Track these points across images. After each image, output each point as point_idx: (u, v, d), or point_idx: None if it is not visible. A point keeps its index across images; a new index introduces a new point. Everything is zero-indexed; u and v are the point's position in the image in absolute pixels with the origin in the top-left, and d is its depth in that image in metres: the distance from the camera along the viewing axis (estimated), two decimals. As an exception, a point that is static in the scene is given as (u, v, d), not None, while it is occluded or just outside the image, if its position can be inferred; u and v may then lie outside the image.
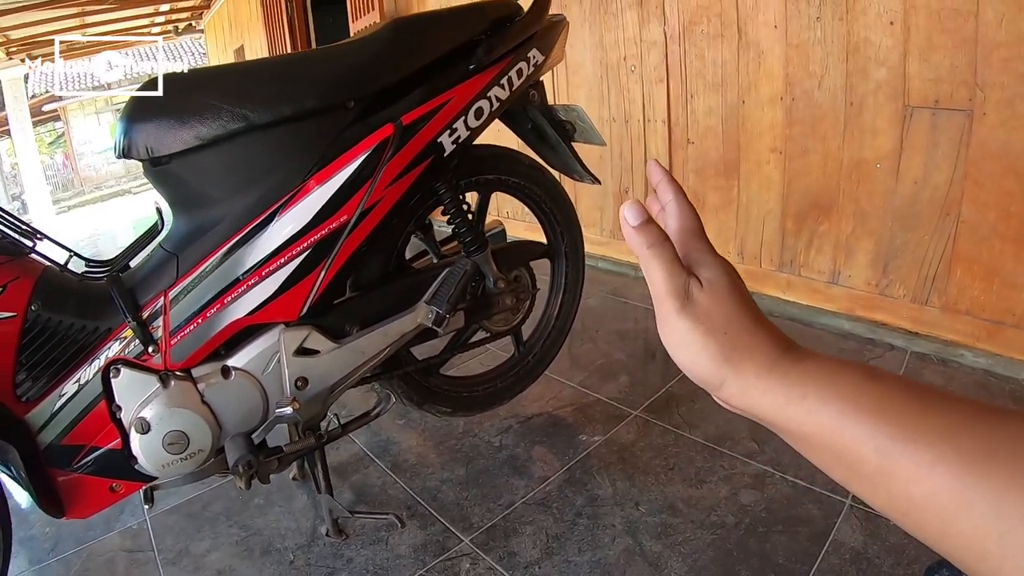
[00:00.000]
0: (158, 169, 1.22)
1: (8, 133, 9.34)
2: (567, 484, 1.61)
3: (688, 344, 0.43)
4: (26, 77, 9.66)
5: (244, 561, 1.47)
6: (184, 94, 1.22)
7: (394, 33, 1.32)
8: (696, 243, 0.47)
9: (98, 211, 10.46)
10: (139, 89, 1.23)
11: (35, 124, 8.92)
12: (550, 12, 1.55)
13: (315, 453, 1.44)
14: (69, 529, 1.64)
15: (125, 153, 1.20)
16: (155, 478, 1.27)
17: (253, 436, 1.30)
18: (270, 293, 1.25)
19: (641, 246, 0.44)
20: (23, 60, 9.49)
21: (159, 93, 1.23)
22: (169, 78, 1.30)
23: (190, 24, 11.38)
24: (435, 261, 1.66)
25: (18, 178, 9.03)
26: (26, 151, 9.23)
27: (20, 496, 1.73)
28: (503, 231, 1.73)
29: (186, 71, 1.32)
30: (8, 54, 9.17)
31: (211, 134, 1.19)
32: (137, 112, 1.20)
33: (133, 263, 1.31)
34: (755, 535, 1.38)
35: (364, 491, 1.67)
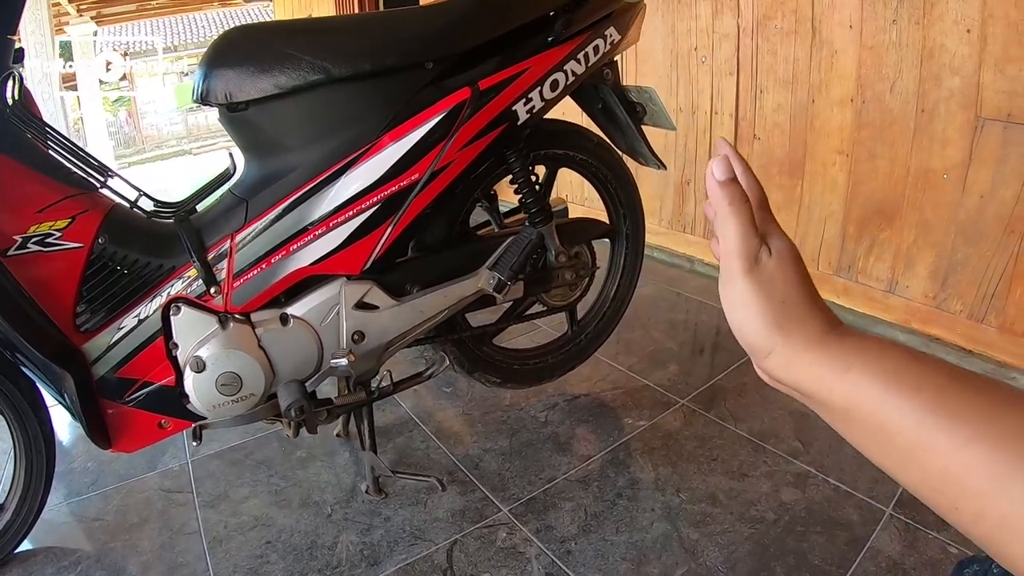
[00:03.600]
0: (234, 115, 1.24)
1: (75, 88, 9.54)
2: (609, 465, 1.60)
3: (746, 306, 0.44)
4: (95, 34, 9.88)
5: (282, 510, 1.50)
6: (266, 43, 1.23)
7: None
8: (765, 215, 0.48)
9: (157, 169, 10.60)
10: (221, 36, 1.25)
11: (100, 81, 9.09)
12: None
13: (363, 410, 1.46)
14: (110, 466, 1.68)
15: (203, 98, 1.22)
16: (204, 418, 1.29)
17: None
18: (335, 245, 1.27)
19: (722, 201, 0.45)
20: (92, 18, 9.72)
21: (241, 41, 1.25)
22: (252, 28, 1.32)
23: (260, -7, 11.54)
24: (496, 231, 1.66)
25: (81, 132, 9.21)
26: (91, 107, 9.43)
27: (62, 430, 1.78)
28: (566, 208, 1.72)
29: (269, 22, 1.33)
30: (79, 11, 9.39)
31: (290, 84, 1.21)
32: (218, 58, 1.21)
33: (200, 207, 1.33)
34: (793, 533, 1.36)
35: (407, 453, 1.68)
